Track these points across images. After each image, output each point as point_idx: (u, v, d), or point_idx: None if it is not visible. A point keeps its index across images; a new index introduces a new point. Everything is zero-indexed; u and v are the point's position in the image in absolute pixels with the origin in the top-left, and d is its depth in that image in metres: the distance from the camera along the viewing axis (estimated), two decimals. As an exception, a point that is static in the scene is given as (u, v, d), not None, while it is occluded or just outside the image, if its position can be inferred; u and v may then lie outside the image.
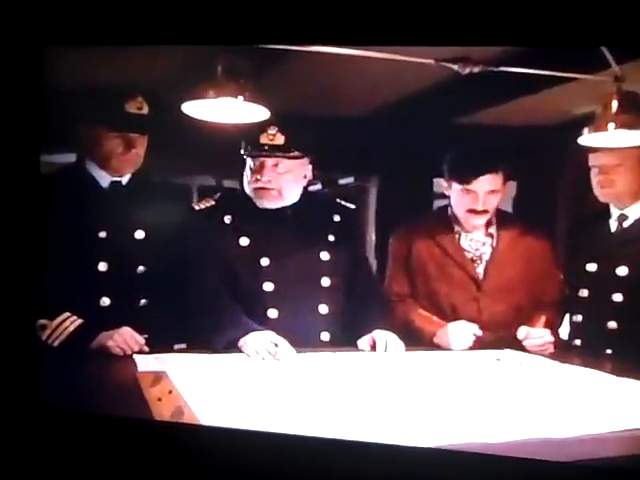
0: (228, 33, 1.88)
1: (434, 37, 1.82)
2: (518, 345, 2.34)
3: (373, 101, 3.01)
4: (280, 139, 2.26)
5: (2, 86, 1.92)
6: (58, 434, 1.72)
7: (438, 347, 2.36)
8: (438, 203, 3.00)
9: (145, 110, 2.20)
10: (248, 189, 2.34)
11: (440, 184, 2.60)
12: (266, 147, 2.26)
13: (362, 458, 1.48)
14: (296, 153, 2.28)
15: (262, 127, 2.26)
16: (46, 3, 1.88)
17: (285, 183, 2.31)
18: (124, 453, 1.68)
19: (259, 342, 2.10)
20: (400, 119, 2.98)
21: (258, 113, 2.11)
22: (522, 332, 2.33)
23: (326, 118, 2.63)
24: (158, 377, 1.82)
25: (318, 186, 2.51)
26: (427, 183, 3.30)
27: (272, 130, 2.26)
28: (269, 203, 2.32)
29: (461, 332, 2.36)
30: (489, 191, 2.40)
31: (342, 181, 3.82)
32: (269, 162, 2.28)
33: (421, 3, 1.80)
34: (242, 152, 2.33)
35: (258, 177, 2.29)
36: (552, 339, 2.35)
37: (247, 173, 2.34)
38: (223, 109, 2.07)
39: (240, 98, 2.01)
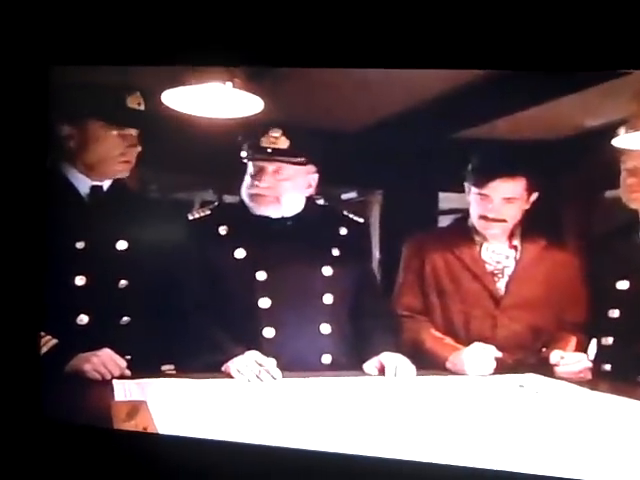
0: (233, 54, 1.83)
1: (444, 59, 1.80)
2: (540, 369, 2.16)
3: (377, 112, 2.78)
4: (284, 143, 2.11)
5: (9, 102, 1.99)
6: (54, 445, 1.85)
7: (451, 372, 2.18)
8: (443, 220, 2.88)
9: (142, 107, 2.08)
10: (244, 195, 2.19)
11: (447, 199, 2.53)
12: (268, 151, 2.11)
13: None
14: (300, 159, 2.13)
15: (264, 129, 2.10)
16: (50, 24, 1.93)
17: (285, 191, 2.16)
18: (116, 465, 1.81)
19: (243, 363, 1.99)
20: (406, 130, 2.74)
21: (250, 104, 1.92)
22: (555, 356, 2.15)
23: (328, 130, 2.46)
24: (135, 408, 1.70)
25: (321, 201, 2.35)
26: (433, 198, 3.07)
27: (275, 132, 2.10)
28: (265, 210, 2.17)
29: (478, 357, 2.17)
30: (505, 198, 2.24)
31: (345, 196, 3.68)
32: (270, 167, 2.13)
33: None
34: (243, 155, 2.17)
35: (256, 183, 2.14)
36: (590, 365, 2.16)
37: (246, 179, 2.19)
38: (209, 98, 1.88)
39: (229, 84, 1.81)
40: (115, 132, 2.05)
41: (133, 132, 2.07)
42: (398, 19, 1.77)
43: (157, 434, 1.57)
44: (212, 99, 1.90)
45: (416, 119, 2.65)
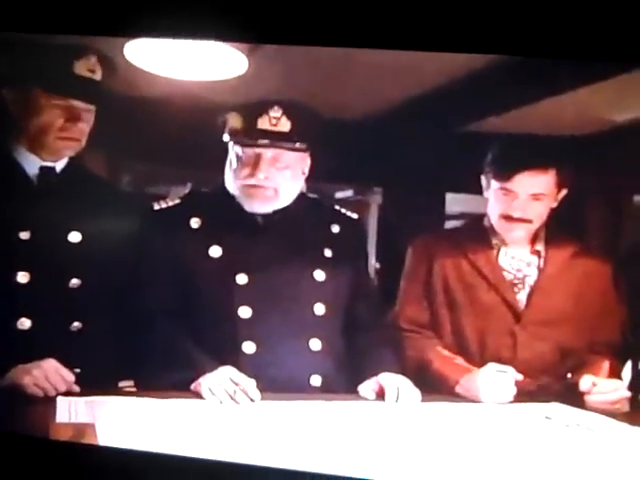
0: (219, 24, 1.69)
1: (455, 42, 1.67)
2: (568, 397, 1.96)
3: (381, 98, 2.64)
4: (285, 125, 1.90)
5: None
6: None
7: (462, 399, 1.99)
8: (450, 224, 2.80)
9: (98, 75, 1.88)
10: (234, 186, 1.97)
11: (455, 200, 2.47)
12: (267, 134, 1.89)
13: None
14: (302, 145, 1.93)
15: (261, 107, 1.89)
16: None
17: (284, 181, 1.95)
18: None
19: (215, 380, 1.82)
20: (411, 120, 2.63)
21: (233, 63, 1.73)
22: (587, 382, 1.95)
23: (324, 116, 2.29)
24: (80, 433, 1.53)
25: (310, 195, 2.25)
26: (440, 198, 2.97)
27: (276, 112, 1.89)
28: (261, 205, 1.96)
29: (495, 380, 1.98)
30: (533, 195, 2.05)
31: (339, 194, 3.57)
32: (268, 154, 1.91)
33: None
34: (227, 138, 1.95)
35: (252, 172, 1.92)
36: (628, 394, 1.96)
37: (232, 165, 1.96)
38: (182, 53, 1.69)
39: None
40: (54, 102, 1.86)
41: (78, 104, 1.87)
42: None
43: (105, 447, 1.48)
44: (185, 54, 1.73)
45: (424, 107, 2.51)
